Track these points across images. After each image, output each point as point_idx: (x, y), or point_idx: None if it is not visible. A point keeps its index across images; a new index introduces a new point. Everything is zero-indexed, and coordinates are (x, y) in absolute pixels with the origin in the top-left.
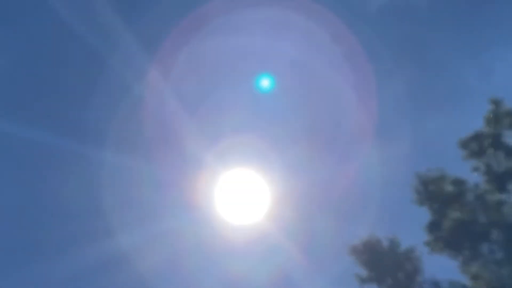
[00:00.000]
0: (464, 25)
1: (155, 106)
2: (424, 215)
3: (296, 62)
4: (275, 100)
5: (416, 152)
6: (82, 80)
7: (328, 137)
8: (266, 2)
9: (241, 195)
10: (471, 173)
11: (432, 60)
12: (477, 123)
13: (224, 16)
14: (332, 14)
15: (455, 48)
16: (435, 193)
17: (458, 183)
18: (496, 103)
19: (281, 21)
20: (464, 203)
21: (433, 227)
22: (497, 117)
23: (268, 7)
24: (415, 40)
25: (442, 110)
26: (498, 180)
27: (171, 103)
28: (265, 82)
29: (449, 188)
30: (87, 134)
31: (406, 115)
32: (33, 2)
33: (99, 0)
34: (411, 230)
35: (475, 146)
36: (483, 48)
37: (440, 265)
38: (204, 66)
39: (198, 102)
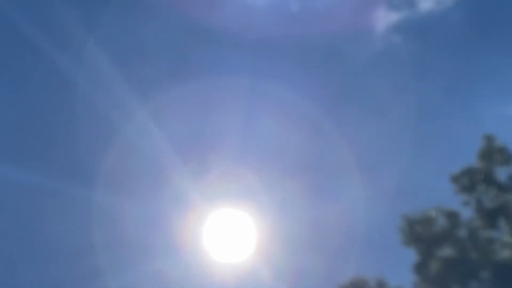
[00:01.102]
0: (455, 74)
1: (144, 145)
2: (412, 255)
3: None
4: (262, 138)
5: (404, 192)
6: (71, 122)
7: (315, 175)
8: None
9: (229, 233)
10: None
11: (421, 105)
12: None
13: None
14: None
15: (445, 95)
16: (422, 234)
17: (452, 216)
18: (489, 139)
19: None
20: (456, 238)
21: (421, 267)
22: (490, 153)
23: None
24: (404, 85)
25: (430, 154)
26: (489, 216)
27: (159, 142)
28: None
29: (440, 224)
30: (75, 174)
31: (394, 156)
32: (28, 52)
33: (89, 41)
34: (399, 270)
35: (467, 181)
36: (473, 98)
37: None
38: (193, 104)
39: (186, 141)
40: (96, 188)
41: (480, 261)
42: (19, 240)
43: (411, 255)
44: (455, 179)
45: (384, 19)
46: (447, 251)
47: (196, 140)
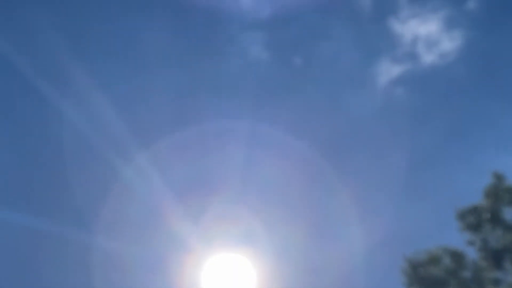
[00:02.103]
0: (456, 125)
1: (143, 190)
2: None
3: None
4: (261, 184)
5: (403, 236)
6: (72, 166)
7: (315, 219)
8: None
9: (228, 277)
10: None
11: (424, 158)
12: None
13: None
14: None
15: (446, 145)
16: (425, 275)
17: (457, 256)
18: (498, 178)
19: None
20: (460, 280)
21: None
22: (498, 192)
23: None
24: (405, 135)
25: (429, 201)
26: (495, 256)
27: (159, 186)
28: None
29: (444, 265)
30: (75, 219)
31: (393, 202)
32: (29, 96)
33: (91, 86)
34: None
35: (473, 219)
36: (475, 150)
37: None
38: (192, 149)
39: (186, 185)
40: (96, 232)
41: None
42: (19, 283)
43: None
44: (461, 216)
45: (387, 71)
46: None
47: (195, 184)
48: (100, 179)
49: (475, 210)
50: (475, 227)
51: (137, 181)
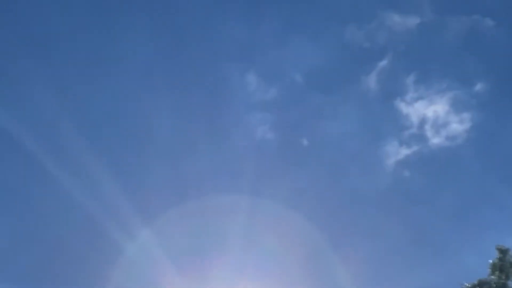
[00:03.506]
0: (463, 207)
1: (146, 264)
2: None
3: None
4: (263, 257)
5: None
6: (77, 243)
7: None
8: None
9: None
10: None
11: (431, 240)
12: None
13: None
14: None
15: (453, 228)
16: None
17: None
18: (503, 252)
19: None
20: None
21: None
22: (503, 265)
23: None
24: (414, 216)
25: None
26: None
27: (161, 260)
28: None
29: None
30: None
31: (394, 278)
32: (37, 176)
33: (96, 166)
34: None
35: None
36: (481, 231)
37: None
38: (193, 223)
39: (187, 259)
40: None
41: None
42: None
43: None
44: None
45: (393, 152)
46: None
47: (197, 257)
48: (104, 255)
49: (481, 285)
50: None
51: (140, 256)
